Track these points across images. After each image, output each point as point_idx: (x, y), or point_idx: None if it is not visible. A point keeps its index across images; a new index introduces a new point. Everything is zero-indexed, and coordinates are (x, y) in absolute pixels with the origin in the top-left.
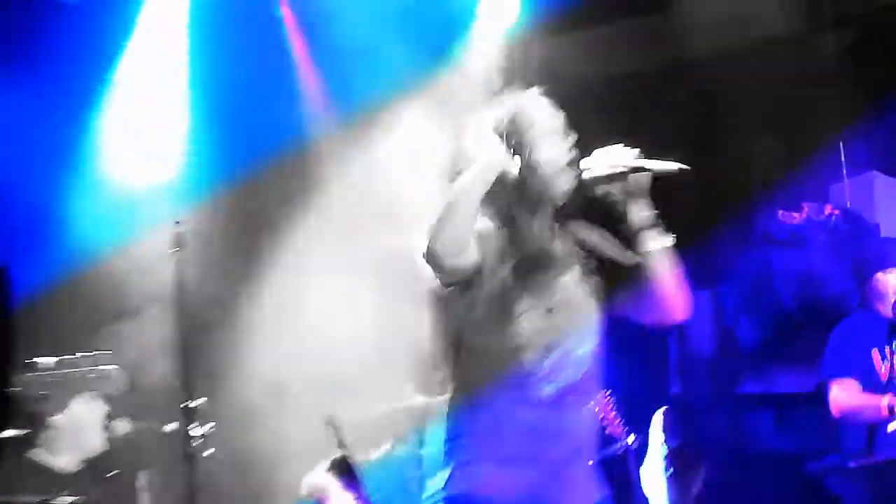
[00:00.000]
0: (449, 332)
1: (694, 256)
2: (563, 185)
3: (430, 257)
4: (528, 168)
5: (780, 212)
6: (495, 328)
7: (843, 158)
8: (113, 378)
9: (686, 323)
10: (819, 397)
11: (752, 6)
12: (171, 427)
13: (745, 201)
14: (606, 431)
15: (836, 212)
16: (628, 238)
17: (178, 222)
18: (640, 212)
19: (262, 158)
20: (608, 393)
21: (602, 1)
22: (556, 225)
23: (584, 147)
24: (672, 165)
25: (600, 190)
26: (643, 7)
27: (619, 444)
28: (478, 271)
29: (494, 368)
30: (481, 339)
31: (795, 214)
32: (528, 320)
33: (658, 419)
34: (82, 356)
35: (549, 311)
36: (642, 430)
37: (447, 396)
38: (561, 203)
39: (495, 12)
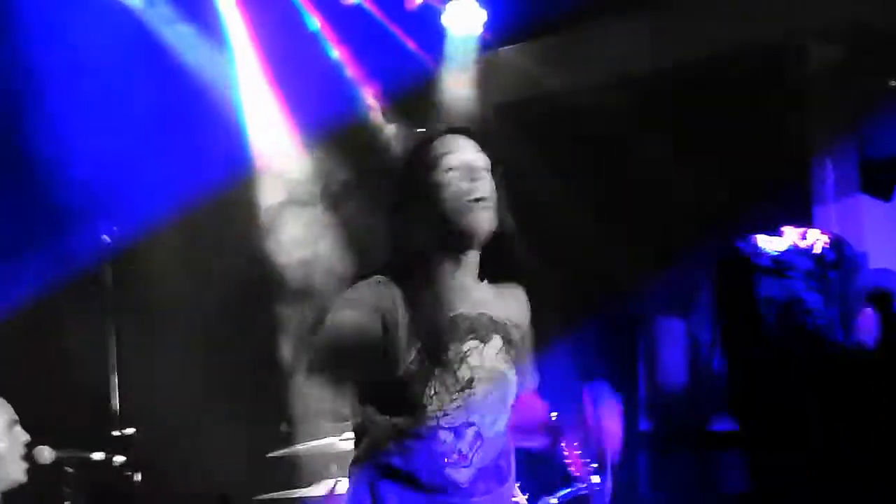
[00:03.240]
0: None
1: (667, 282)
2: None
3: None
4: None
5: (761, 236)
6: (404, 409)
7: (829, 180)
8: None
9: (658, 355)
10: None
11: (732, 16)
12: (97, 455)
13: (722, 224)
14: (570, 469)
15: (822, 237)
16: None
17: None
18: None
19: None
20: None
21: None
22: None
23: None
24: None
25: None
26: (611, 15)
27: (583, 484)
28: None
29: (404, 449)
30: (389, 419)
31: (777, 239)
32: (439, 399)
33: None
34: None
35: (462, 389)
36: (608, 469)
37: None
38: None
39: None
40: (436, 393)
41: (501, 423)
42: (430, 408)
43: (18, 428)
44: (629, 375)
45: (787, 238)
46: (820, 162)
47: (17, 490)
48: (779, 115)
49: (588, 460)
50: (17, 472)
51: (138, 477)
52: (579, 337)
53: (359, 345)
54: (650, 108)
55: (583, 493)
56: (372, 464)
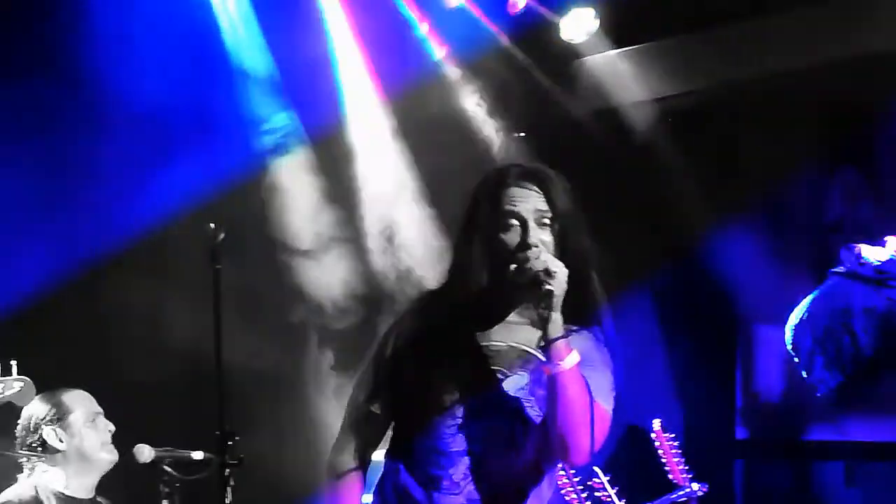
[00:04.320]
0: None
1: (767, 291)
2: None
3: None
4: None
5: (863, 245)
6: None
7: None
8: (25, 390)
9: (756, 363)
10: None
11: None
12: (197, 454)
13: (823, 233)
14: (669, 478)
15: None
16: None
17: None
18: (552, 323)
19: None
20: (671, 437)
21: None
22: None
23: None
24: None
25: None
26: (740, 15)
27: (681, 492)
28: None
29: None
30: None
31: (880, 249)
32: (436, 423)
33: None
34: None
35: (468, 415)
36: (707, 476)
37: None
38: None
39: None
40: (435, 416)
41: (511, 458)
42: (426, 429)
43: (101, 420)
44: (727, 383)
45: (890, 248)
46: None
47: (113, 487)
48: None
49: (686, 467)
50: (105, 464)
51: (236, 478)
52: (677, 343)
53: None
54: (757, 112)
55: (681, 500)
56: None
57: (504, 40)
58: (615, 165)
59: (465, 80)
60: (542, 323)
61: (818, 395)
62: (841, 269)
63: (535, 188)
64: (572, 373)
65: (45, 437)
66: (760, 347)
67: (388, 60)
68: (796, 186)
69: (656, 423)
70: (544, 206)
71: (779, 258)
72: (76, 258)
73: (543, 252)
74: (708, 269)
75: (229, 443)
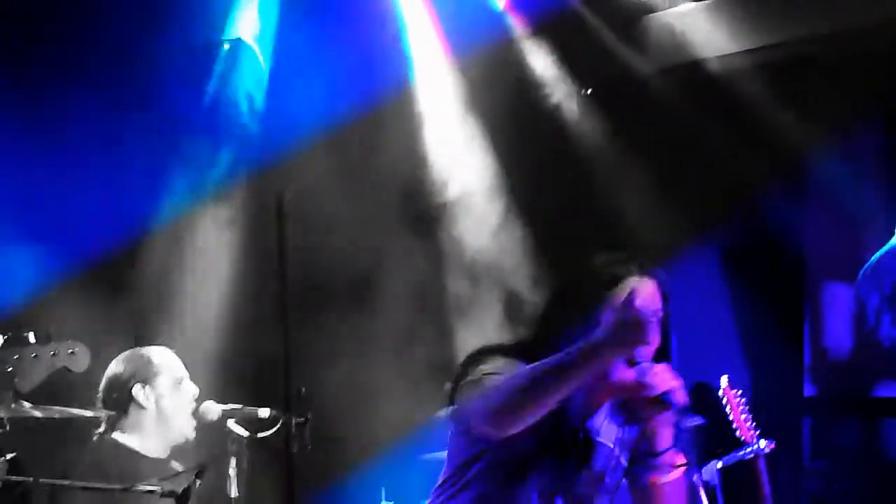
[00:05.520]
0: None
1: (836, 248)
2: None
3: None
4: None
5: None
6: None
7: None
8: (79, 355)
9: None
10: None
11: None
12: (265, 413)
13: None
14: (737, 434)
15: None
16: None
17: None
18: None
19: None
20: (739, 393)
21: None
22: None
23: None
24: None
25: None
26: None
27: (749, 449)
28: None
29: None
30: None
31: None
32: None
33: None
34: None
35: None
36: (775, 433)
37: None
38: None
39: None
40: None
41: None
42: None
43: (186, 384)
44: (795, 340)
45: None
46: None
47: (182, 445)
48: None
49: (754, 424)
50: (185, 429)
51: (305, 434)
52: (746, 299)
53: None
54: (833, 67)
55: (749, 457)
56: None
57: None
58: (683, 122)
59: (531, 37)
60: (651, 435)
61: (886, 351)
62: None
63: (653, 280)
64: (680, 478)
65: (133, 393)
66: (828, 304)
67: (455, 23)
68: (868, 143)
69: (724, 380)
70: (661, 305)
71: (849, 214)
72: (147, 216)
73: (665, 371)
74: (777, 225)
75: (296, 400)
